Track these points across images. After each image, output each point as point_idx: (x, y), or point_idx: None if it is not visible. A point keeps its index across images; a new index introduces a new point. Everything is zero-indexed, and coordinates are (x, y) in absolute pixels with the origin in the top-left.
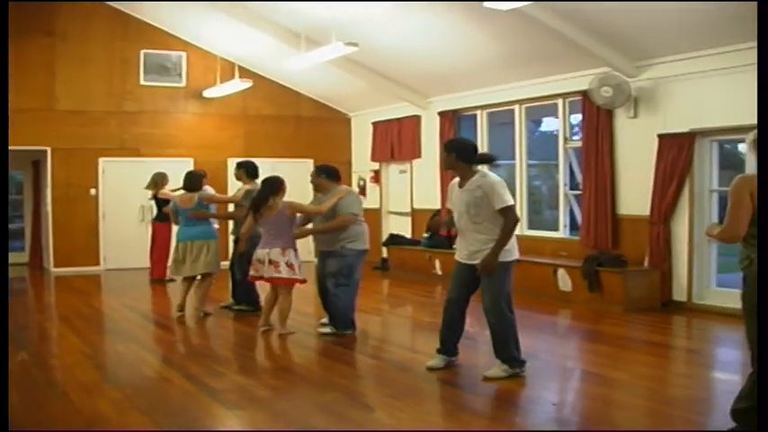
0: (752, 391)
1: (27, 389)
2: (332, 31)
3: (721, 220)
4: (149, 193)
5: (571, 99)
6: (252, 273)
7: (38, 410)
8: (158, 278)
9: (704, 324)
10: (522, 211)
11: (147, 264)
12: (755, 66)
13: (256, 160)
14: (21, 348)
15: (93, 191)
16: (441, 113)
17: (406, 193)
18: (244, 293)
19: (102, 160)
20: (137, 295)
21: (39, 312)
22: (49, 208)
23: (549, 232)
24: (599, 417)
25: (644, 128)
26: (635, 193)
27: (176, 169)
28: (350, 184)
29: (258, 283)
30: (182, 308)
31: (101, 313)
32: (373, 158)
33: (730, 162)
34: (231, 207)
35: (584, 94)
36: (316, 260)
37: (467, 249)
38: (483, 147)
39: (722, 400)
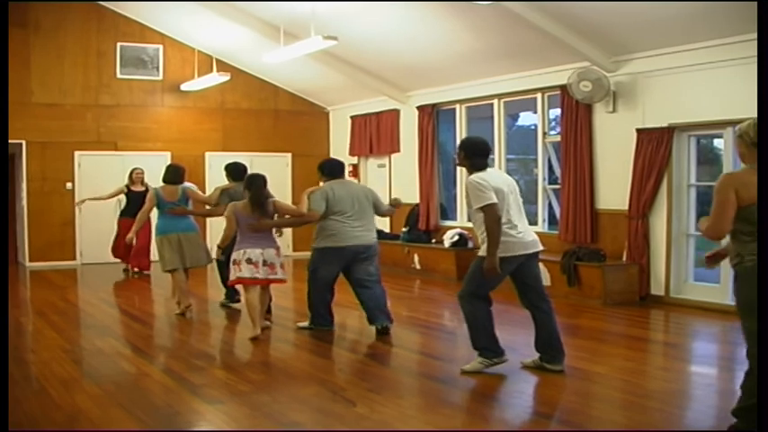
0: (750, 389)
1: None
2: (311, 25)
3: (699, 215)
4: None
5: (550, 93)
6: (238, 274)
7: (16, 406)
8: (142, 269)
9: (682, 318)
10: None
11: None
12: (734, 60)
13: (234, 154)
14: None
15: (69, 185)
16: (419, 107)
17: (385, 187)
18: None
19: (78, 154)
20: (114, 290)
21: (14, 307)
22: (25, 202)
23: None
24: (578, 410)
25: (623, 122)
26: (614, 188)
27: (153, 163)
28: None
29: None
30: (179, 301)
31: (77, 308)
32: (351, 153)
33: (706, 157)
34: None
35: (563, 88)
36: (295, 254)
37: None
38: None
39: (700, 393)
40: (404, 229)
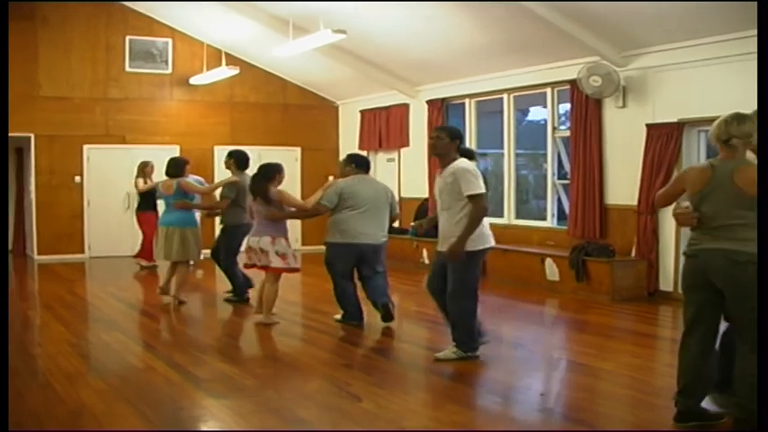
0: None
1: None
2: (320, 19)
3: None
4: (141, 182)
5: (560, 88)
6: (245, 261)
7: (19, 400)
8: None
9: None
10: (509, 200)
11: (134, 251)
12: (744, 56)
13: (242, 148)
14: None
15: (77, 178)
16: (429, 102)
17: (394, 181)
18: (233, 281)
19: (86, 147)
20: (122, 283)
21: (22, 300)
22: (33, 195)
23: (536, 222)
24: (585, 407)
25: (632, 117)
26: (623, 183)
27: (162, 156)
28: (336, 174)
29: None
30: (163, 291)
31: (85, 301)
32: (361, 147)
33: (716, 152)
34: (218, 194)
35: (573, 83)
36: (304, 248)
37: (440, 236)
38: (471, 136)
39: None
40: (412, 224)
